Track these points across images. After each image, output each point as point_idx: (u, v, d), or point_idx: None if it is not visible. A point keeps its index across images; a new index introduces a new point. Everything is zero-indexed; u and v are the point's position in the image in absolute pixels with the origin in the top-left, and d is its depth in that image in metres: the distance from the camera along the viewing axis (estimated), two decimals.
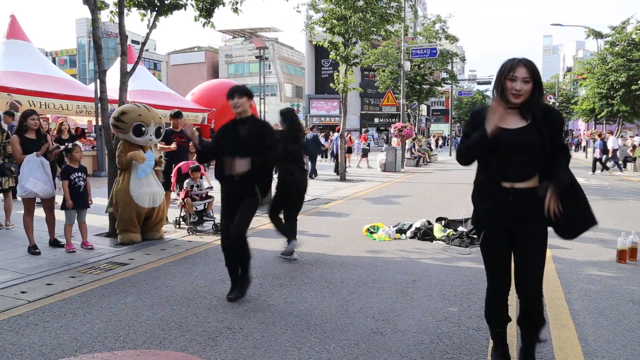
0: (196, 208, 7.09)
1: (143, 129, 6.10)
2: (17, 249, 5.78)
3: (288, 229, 5.60)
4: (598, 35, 23.64)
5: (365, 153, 21.77)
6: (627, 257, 5.39)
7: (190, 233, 6.82)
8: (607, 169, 18.71)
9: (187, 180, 7.16)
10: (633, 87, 21.76)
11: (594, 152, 19.75)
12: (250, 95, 4.26)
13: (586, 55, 44.98)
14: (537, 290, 2.65)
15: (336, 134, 18.89)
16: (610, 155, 18.40)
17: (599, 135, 19.76)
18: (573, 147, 42.11)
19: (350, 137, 22.37)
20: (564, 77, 57.19)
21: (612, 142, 18.43)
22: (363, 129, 45.29)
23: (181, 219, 7.25)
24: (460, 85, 53.39)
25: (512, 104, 2.60)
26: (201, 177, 7.30)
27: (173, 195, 7.61)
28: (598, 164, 18.62)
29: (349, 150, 21.02)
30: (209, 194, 7.29)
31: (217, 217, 7.41)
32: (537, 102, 2.62)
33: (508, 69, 2.59)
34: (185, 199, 6.98)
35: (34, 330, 3.51)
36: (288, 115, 5.58)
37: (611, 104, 23.80)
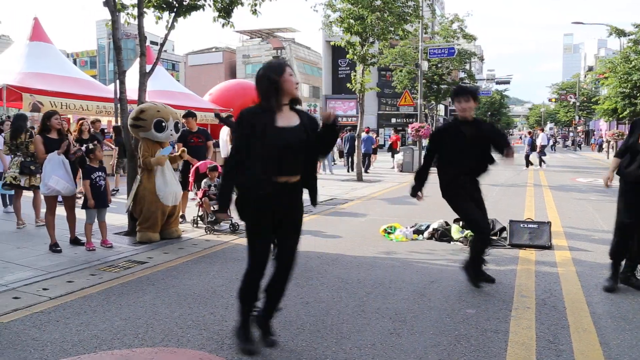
0: (213, 208, 7.14)
1: (163, 124, 6.22)
2: (39, 247, 5.89)
3: None
4: (621, 33, 23.18)
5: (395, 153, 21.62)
6: None
7: (208, 232, 6.87)
8: (531, 164, 20.58)
9: (204, 180, 7.22)
10: None
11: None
12: (475, 96, 4.26)
13: (608, 54, 44.19)
14: (292, 264, 3.13)
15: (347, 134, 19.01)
16: (538, 151, 20.80)
17: (529, 133, 22.15)
18: (596, 148, 41.23)
19: (376, 138, 22.29)
20: (585, 76, 56.29)
21: (540, 139, 21.15)
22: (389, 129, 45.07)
23: (199, 219, 7.32)
24: (479, 84, 52.84)
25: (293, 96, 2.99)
26: (218, 177, 7.35)
27: (191, 194, 7.68)
28: (530, 159, 20.61)
29: (375, 151, 21.03)
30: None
31: (235, 217, 7.48)
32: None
33: (281, 70, 2.94)
34: (202, 199, 7.04)
35: (55, 327, 3.58)
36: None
37: (634, 103, 23.34)
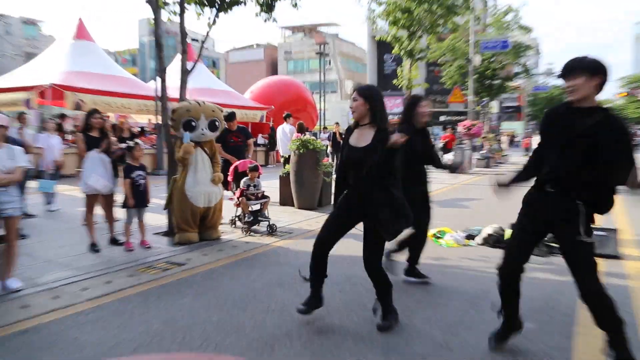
0: (251, 208, 7.18)
1: (193, 123, 6.22)
2: (79, 246, 6.07)
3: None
4: None
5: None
6: None
7: (245, 233, 6.92)
8: None
9: (244, 180, 7.28)
10: None
11: None
12: (592, 72, 2.83)
13: None
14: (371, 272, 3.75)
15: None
16: None
17: None
18: None
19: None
20: None
21: None
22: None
23: (237, 219, 7.37)
24: (535, 79, 51.17)
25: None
26: (259, 177, 7.39)
27: (228, 194, 7.74)
28: None
29: None
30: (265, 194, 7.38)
31: (273, 218, 7.52)
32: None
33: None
34: (240, 198, 7.09)
35: (93, 328, 3.66)
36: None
37: None
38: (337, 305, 4.16)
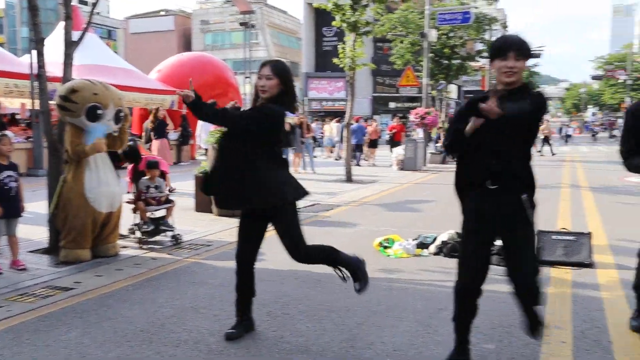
0: (152, 214, 7.13)
1: (99, 111, 6.11)
2: None
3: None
4: None
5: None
6: None
7: (141, 245, 6.93)
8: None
9: (142, 180, 7.20)
10: None
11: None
12: (528, 55, 3.28)
13: None
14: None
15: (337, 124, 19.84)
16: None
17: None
18: None
19: (376, 127, 22.71)
20: None
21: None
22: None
23: (135, 228, 7.27)
24: None
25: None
26: (162, 177, 7.35)
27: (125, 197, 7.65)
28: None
29: (374, 144, 21.44)
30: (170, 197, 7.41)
31: (186, 228, 7.42)
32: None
33: (259, 68, 3.86)
34: (137, 203, 7.04)
35: None
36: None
37: None
38: (264, 331, 4.21)
